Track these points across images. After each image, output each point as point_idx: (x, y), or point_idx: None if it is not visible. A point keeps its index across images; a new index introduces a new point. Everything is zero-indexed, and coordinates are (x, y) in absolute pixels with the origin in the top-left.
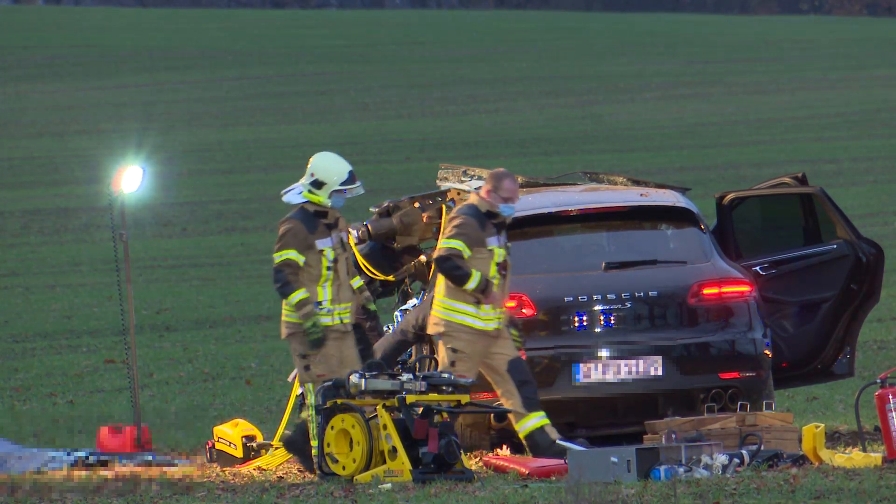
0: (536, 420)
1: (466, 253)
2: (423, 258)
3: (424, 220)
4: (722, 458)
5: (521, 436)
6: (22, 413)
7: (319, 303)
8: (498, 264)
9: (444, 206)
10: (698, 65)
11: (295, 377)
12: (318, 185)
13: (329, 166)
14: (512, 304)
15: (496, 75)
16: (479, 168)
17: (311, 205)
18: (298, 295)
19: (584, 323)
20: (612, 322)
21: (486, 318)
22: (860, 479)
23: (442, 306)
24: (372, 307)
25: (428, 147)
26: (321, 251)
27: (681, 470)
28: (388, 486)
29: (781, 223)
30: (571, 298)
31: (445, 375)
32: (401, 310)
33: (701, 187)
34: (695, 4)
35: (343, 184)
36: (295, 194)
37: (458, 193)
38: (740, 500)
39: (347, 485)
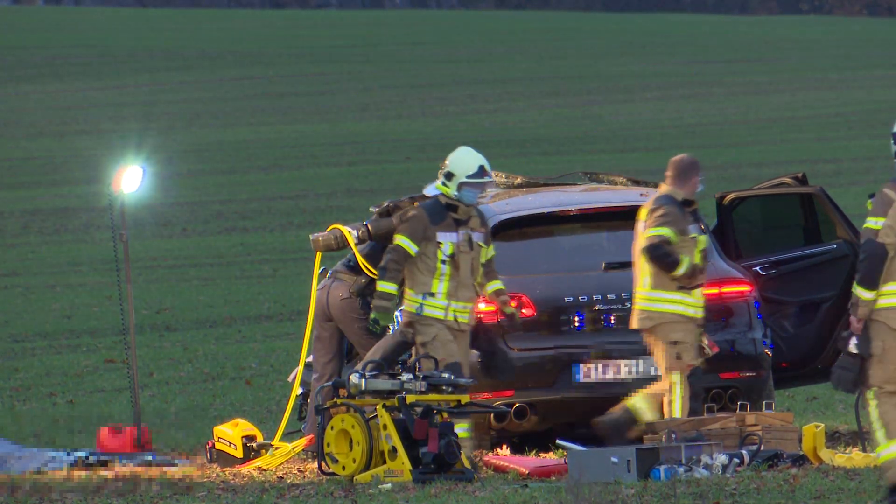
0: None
1: (674, 240)
2: None
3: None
4: (722, 458)
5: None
6: (22, 413)
7: (432, 294)
8: (702, 251)
9: None
10: (698, 65)
11: (295, 377)
12: (449, 176)
13: (461, 158)
14: (512, 304)
15: (496, 75)
16: None
17: (444, 197)
18: (387, 286)
19: (584, 323)
20: (612, 322)
21: (694, 305)
22: (860, 479)
23: (649, 299)
24: (509, 311)
25: (428, 147)
26: (439, 243)
27: (681, 470)
28: (388, 486)
29: (781, 223)
30: (571, 298)
31: (445, 375)
32: (401, 310)
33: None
34: (695, 4)
35: (470, 176)
36: (432, 185)
37: None
38: (740, 500)
39: (347, 485)
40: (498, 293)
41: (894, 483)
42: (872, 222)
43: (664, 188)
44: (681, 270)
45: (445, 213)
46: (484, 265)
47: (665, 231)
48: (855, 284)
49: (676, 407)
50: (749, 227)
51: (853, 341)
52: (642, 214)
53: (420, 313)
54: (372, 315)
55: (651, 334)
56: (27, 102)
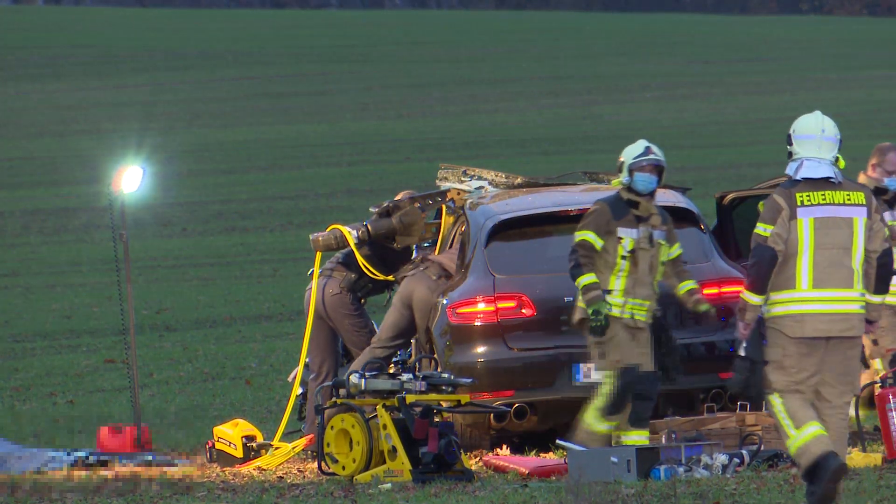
0: None
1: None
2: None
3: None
4: (722, 458)
5: None
6: (22, 413)
7: (609, 291)
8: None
9: (444, 207)
10: (698, 65)
11: (295, 377)
12: (621, 167)
13: (630, 146)
14: (512, 303)
15: (496, 75)
16: (479, 168)
17: (625, 192)
18: (586, 279)
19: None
20: None
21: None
22: (860, 479)
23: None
24: (703, 308)
25: (428, 147)
26: (620, 239)
27: (681, 470)
28: (388, 486)
29: None
30: (571, 298)
31: (445, 375)
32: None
33: (701, 187)
34: (695, 4)
35: (637, 157)
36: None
37: (458, 193)
38: (740, 500)
39: (347, 485)
40: (691, 293)
41: (809, 467)
42: (762, 229)
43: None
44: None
45: (627, 208)
46: (669, 264)
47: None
48: (743, 290)
49: None
50: (749, 227)
51: (743, 345)
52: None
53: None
54: (589, 310)
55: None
56: (27, 102)
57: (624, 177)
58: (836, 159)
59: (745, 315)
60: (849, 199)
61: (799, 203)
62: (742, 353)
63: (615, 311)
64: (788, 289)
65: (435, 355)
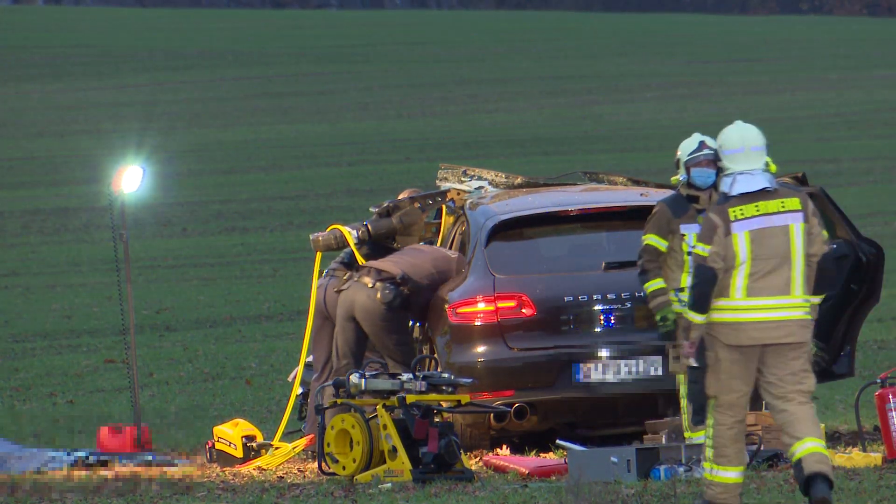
0: None
1: None
2: None
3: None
4: None
5: None
6: (22, 413)
7: (682, 289)
8: None
9: (444, 207)
10: (698, 65)
11: (295, 377)
12: (677, 164)
13: (685, 142)
14: (512, 303)
15: (496, 75)
16: (479, 168)
17: (684, 188)
18: (653, 284)
19: (584, 323)
20: (612, 322)
21: None
22: (860, 479)
23: None
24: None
25: (428, 147)
26: (682, 235)
27: (681, 470)
28: (388, 486)
29: None
30: (571, 298)
31: (445, 375)
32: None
33: None
34: (695, 4)
35: (692, 153)
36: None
37: (458, 193)
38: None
39: (347, 485)
40: None
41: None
42: (701, 248)
43: None
44: None
45: (687, 204)
46: None
47: None
48: (687, 309)
49: None
50: None
51: (691, 360)
52: None
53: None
54: (657, 316)
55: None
56: (27, 102)
57: (681, 174)
58: (767, 164)
59: (690, 334)
60: (783, 207)
61: (733, 218)
62: (693, 363)
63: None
64: (723, 297)
65: (435, 355)
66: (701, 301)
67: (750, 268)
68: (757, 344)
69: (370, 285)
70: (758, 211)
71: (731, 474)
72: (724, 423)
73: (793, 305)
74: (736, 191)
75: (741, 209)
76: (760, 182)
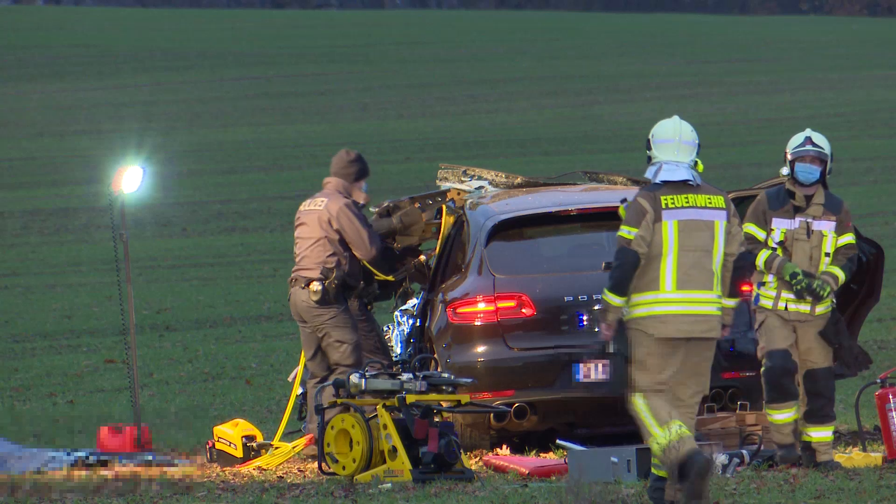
0: None
1: None
2: (422, 258)
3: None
4: (722, 458)
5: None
6: (22, 413)
7: (763, 283)
8: None
9: (444, 207)
10: (698, 65)
11: (295, 377)
12: (784, 158)
13: (793, 137)
14: (512, 303)
15: (496, 75)
16: (479, 168)
17: (789, 182)
18: (759, 259)
19: (584, 323)
20: None
21: None
22: (860, 479)
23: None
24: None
25: (428, 147)
26: (772, 229)
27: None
28: (388, 486)
29: None
30: (571, 298)
31: (445, 375)
32: (401, 310)
33: None
34: (695, 4)
35: (796, 149)
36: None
37: (458, 193)
38: (740, 500)
39: (347, 485)
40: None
41: (678, 465)
42: (626, 231)
43: None
44: None
45: (786, 199)
46: (835, 253)
47: None
48: (605, 291)
49: None
50: None
51: (610, 343)
52: None
53: (755, 302)
54: (786, 276)
55: None
56: (27, 102)
57: (786, 168)
58: (696, 163)
59: (606, 316)
60: (710, 203)
61: (664, 206)
62: (611, 350)
63: (768, 304)
64: (652, 290)
65: (435, 355)
66: (621, 283)
67: (677, 259)
68: (684, 337)
69: (302, 286)
70: (687, 203)
71: (677, 428)
72: (653, 396)
73: (713, 301)
74: (661, 178)
75: (672, 198)
76: (683, 174)
